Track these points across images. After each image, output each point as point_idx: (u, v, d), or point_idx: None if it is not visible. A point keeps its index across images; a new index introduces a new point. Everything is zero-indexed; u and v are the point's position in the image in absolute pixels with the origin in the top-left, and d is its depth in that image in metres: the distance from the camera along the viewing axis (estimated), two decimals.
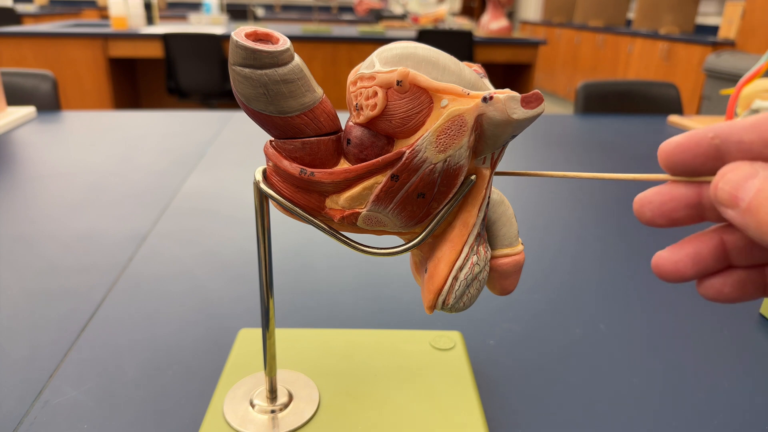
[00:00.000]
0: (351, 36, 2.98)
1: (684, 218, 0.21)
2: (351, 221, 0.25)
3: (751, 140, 0.19)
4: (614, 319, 0.47)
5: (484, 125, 0.24)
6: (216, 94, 2.96)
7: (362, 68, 0.25)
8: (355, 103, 0.25)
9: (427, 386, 0.35)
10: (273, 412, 0.33)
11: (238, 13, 5.57)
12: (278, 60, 0.23)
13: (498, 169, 0.30)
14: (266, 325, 0.31)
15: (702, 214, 0.21)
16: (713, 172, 0.20)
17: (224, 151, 0.92)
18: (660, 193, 0.21)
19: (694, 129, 0.21)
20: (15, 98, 1.22)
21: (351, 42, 2.99)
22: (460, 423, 0.32)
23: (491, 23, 3.31)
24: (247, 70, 0.23)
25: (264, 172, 0.27)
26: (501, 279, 0.28)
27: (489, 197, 0.27)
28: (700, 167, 0.20)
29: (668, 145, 0.21)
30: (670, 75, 3.79)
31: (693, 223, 0.21)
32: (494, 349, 0.42)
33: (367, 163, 0.24)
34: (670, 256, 0.21)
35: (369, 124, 0.24)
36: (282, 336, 0.40)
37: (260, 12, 5.64)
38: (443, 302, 0.27)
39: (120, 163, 0.85)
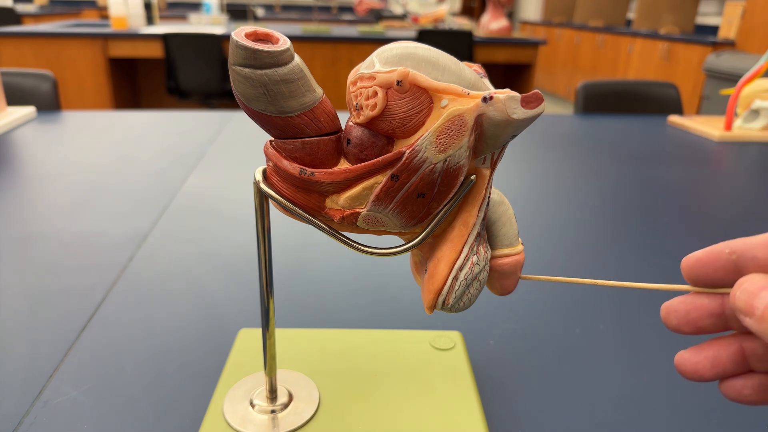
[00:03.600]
0: (351, 36, 2.98)
1: (709, 327, 0.23)
2: (351, 221, 0.25)
3: (764, 256, 0.21)
4: (614, 319, 0.47)
5: (484, 125, 0.24)
6: (216, 94, 2.96)
7: (362, 68, 0.25)
8: (355, 103, 0.25)
9: (427, 386, 0.35)
10: (273, 412, 0.33)
11: (238, 13, 5.57)
12: (278, 60, 0.23)
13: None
14: (266, 325, 0.31)
15: (726, 323, 0.22)
16: (732, 285, 0.21)
17: (224, 151, 0.92)
18: (684, 303, 0.23)
19: (712, 246, 0.22)
20: (15, 98, 1.22)
21: (351, 42, 2.99)
22: (460, 423, 0.32)
23: (491, 23, 3.30)
24: (247, 70, 0.23)
25: (264, 172, 0.27)
26: (501, 279, 0.28)
27: (489, 197, 0.27)
28: (720, 279, 0.22)
29: (689, 260, 0.22)
30: (670, 75, 3.79)
31: (718, 332, 0.23)
32: (494, 349, 0.42)
33: (367, 163, 0.24)
34: (691, 357, 0.23)
35: (369, 124, 0.24)
36: (282, 336, 0.40)
37: (260, 12, 5.64)
38: (443, 302, 0.27)
39: (120, 163, 0.85)
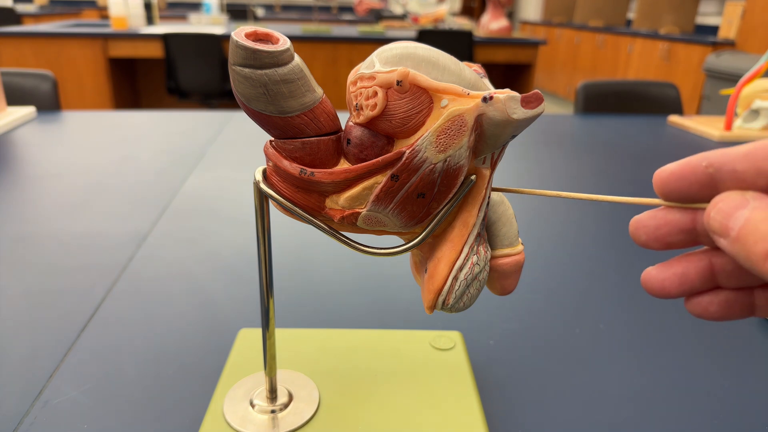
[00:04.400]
0: (351, 36, 2.98)
1: (678, 242, 0.22)
2: (351, 221, 0.25)
3: (744, 169, 0.19)
4: (614, 319, 0.47)
5: (484, 125, 0.24)
6: (216, 94, 2.96)
7: (362, 68, 0.25)
8: (355, 103, 0.25)
9: (427, 386, 0.35)
10: (273, 412, 0.33)
11: (238, 13, 5.57)
12: (278, 60, 0.23)
13: (496, 184, 0.31)
14: (266, 325, 0.31)
15: (696, 239, 0.22)
16: (708, 199, 0.20)
17: (224, 151, 0.92)
18: (655, 218, 0.22)
19: (688, 157, 0.21)
20: (15, 98, 1.22)
21: (351, 42, 2.99)
22: (460, 423, 0.32)
23: (491, 23, 3.30)
24: (247, 70, 0.23)
25: (264, 172, 0.27)
26: (501, 279, 0.28)
27: (489, 197, 0.27)
28: (695, 194, 0.21)
29: (663, 173, 0.21)
30: (670, 75, 3.79)
31: (687, 247, 0.22)
32: (494, 349, 0.42)
33: (367, 163, 0.24)
34: (658, 273, 0.22)
35: (369, 124, 0.24)
36: (282, 336, 0.40)
37: (260, 12, 5.64)
38: (443, 302, 0.27)
39: (120, 163, 0.85)
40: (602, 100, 1.43)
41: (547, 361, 0.41)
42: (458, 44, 3.00)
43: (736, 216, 0.18)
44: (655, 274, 0.22)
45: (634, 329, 0.46)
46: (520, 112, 0.23)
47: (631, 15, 5.38)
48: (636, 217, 0.22)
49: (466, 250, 0.26)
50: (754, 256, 0.18)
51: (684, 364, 0.41)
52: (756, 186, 0.19)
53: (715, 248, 0.22)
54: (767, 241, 0.17)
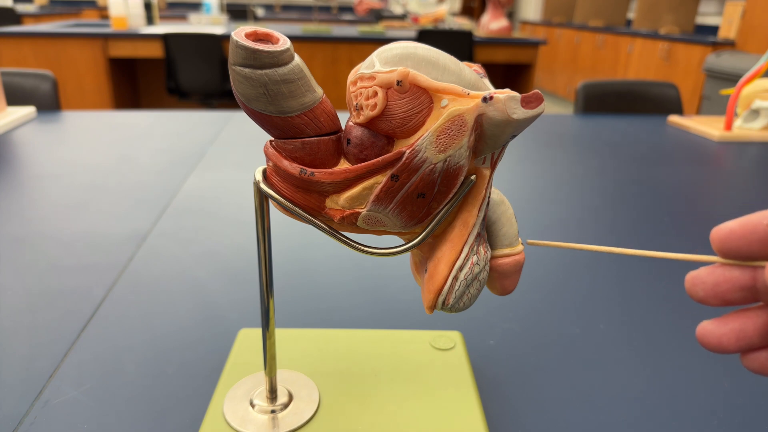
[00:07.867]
0: (351, 36, 2.98)
1: (737, 300, 0.22)
2: (351, 221, 0.25)
3: None
4: (614, 319, 0.47)
5: (484, 125, 0.24)
6: (216, 94, 2.96)
7: (362, 68, 0.25)
8: (355, 103, 0.25)
9: (427, 386, 0.35)
10: (273, 412, 0.33)
11: (238, 13, 5.57)
12: (278, 60, 0.23)
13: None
14: (266, 325, 0.31)
15: (755, 296, 0.21)
16: (766, 257, 0.20)
17: (224, 151, 0.92)
18: (713, 275, 0.21)
19: (747, 215, 0.21)
20: (15, 98, 1.22)
21: (351, 42, 2.99)
22: (460, 423, 0.32)
23: (491, 23, 3.30)
24: (247, 70, 0.23)
25: (264, 172, 0.27)
26: (501, 279, 0.28)
27: (489, 197, 0.27)
28: (755, 252, 0.21)
29: (722, 231, 0.21)
30: (670, 75, 3.79)
31: (746, 304, 0.22)
32: (494, 349, 0.42)
33: (367, 163, 0.24)
34: (715, 329, 0.22)
35: (369, 124, 0.24)
36: (282, 336, 0.40)
37: (260, 12, 5.64)
38: (443, 302, 0.27)
39: (120, 163, 0.85)
40: (602, 100, 1.43)
41: (547, 361, 0.41)
42: (458, 44, 3.00)
43: None
44: (712, 329, 0.22)
45: (634, 329, 0.46)
46: (520, 112, 0.23)
47: (631, 15, 5.38)
48: (693, 273, 0.22)
49: (466, 250, 0.26)
50: None
51: (684, 363, 0.41)
52: None
53: None
54: None
